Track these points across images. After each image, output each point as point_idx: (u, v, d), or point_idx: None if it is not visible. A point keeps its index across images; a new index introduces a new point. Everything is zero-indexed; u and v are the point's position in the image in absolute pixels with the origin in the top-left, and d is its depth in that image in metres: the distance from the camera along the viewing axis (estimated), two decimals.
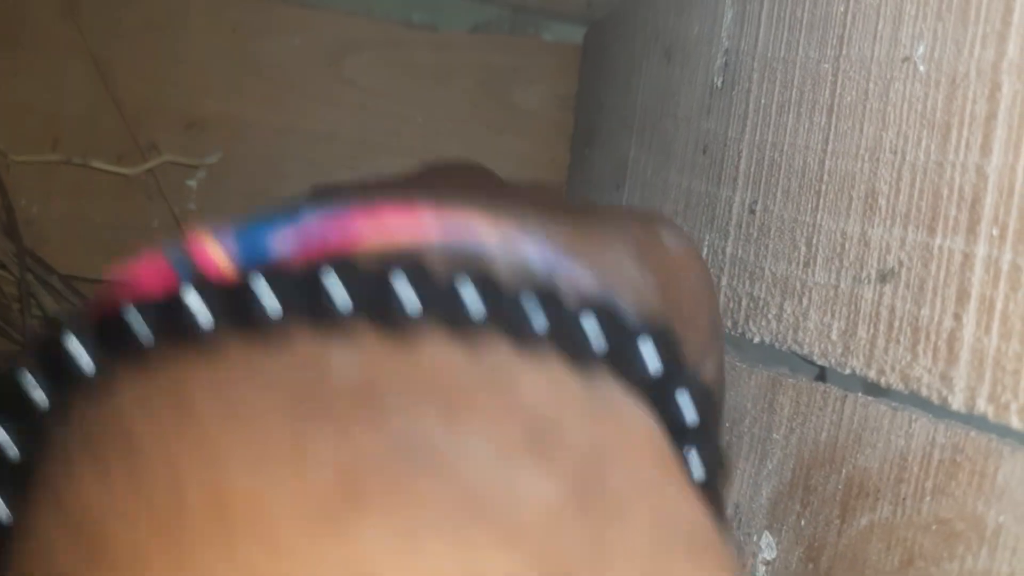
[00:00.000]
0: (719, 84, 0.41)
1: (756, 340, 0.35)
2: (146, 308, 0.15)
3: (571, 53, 0.69)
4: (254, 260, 0.16)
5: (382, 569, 0.12)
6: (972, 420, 0.23)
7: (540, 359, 0.16)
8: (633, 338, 0.16)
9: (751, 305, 0.35)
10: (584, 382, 0.16)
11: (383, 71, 0.67)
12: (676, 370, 0.17)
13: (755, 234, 0.35)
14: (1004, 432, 0.21)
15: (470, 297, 0.16)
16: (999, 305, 0.21)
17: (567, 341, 0.16)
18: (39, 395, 0.15)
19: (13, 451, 0.15)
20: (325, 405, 0.14)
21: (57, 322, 0.16)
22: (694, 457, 0.17)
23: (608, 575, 0.13)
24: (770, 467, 0.32)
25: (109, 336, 0.15)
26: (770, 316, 0.33)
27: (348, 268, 0.16)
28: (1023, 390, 0.20)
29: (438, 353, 0.15)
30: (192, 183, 0.64)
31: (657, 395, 0.17)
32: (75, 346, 0.15)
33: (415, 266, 0.16)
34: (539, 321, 0.16)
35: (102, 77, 0.61)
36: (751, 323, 0.35)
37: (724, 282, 0.38)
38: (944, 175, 0.24)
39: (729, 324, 0.37)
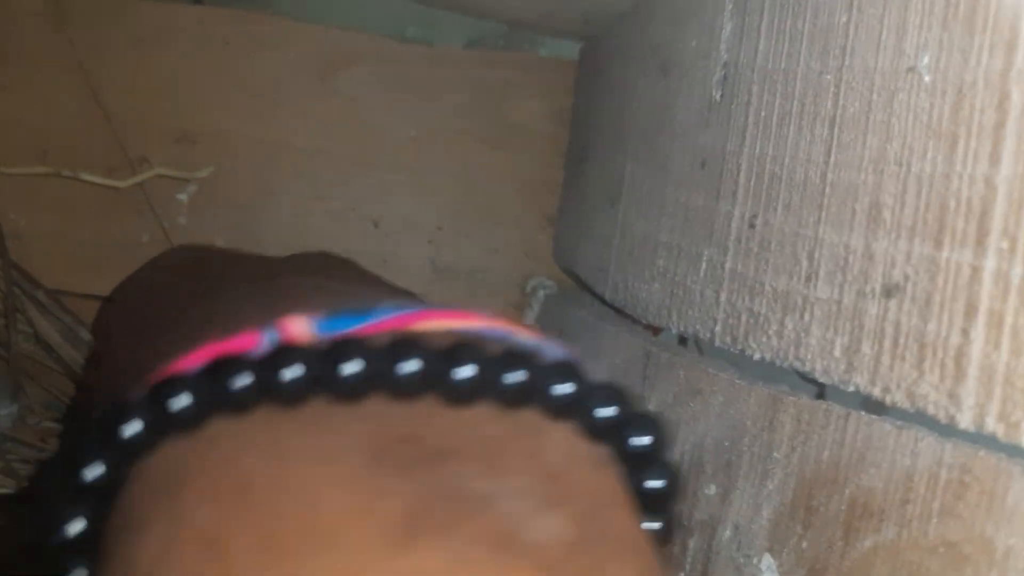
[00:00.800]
0: (718, 97, 0.40)
1: (756, 357, 0.34)
2: (244, 364, 0.19)
3: (566, 69, 0.69)
4: (337, 335, 0.20)
5: None
6: (981, 439, 0.22)
7: (560, 423, 0.21)
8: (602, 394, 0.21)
9: (751, 321, 0.34)
10: (589, 442, 0.21)
11: (376, 86, 0.67)
12: (631, 416, 0.22)
13: (755, 249, 0.35)
14: (1014, 452, 0.21)
15: (515, 373, 0.20)
16: (1009, 320, 0.21)
17: (579, 408, 0.21)
18: (135, 429, 0.18)
19: (103, 477, 0.18)
20: (393, 453, 0.17)
21: (162, 379, 0.19)
22: (653, 484, 0.22)
23: None
24: (771, 487, 0.31)
25: (209, 386, 0.18)
26: (771, 332, 0.33)
27: (416, 344, 0.20)
28: None
29: (485, 417, 0.19)
30: (183, 197, 0.63)
31: (618, 435, 0.21)
32: (178, 392, 0.18)
33: (470, 346, 0.20)
34: (563, 391, 0.21)
35: (92, 90, 0.61)
36: (751, 339, 0.34)
37: (723, 298, 0.37)
38: (951, 186, 0.23)
39: (728, 340, 0.36)
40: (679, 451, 0.39)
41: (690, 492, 0.38)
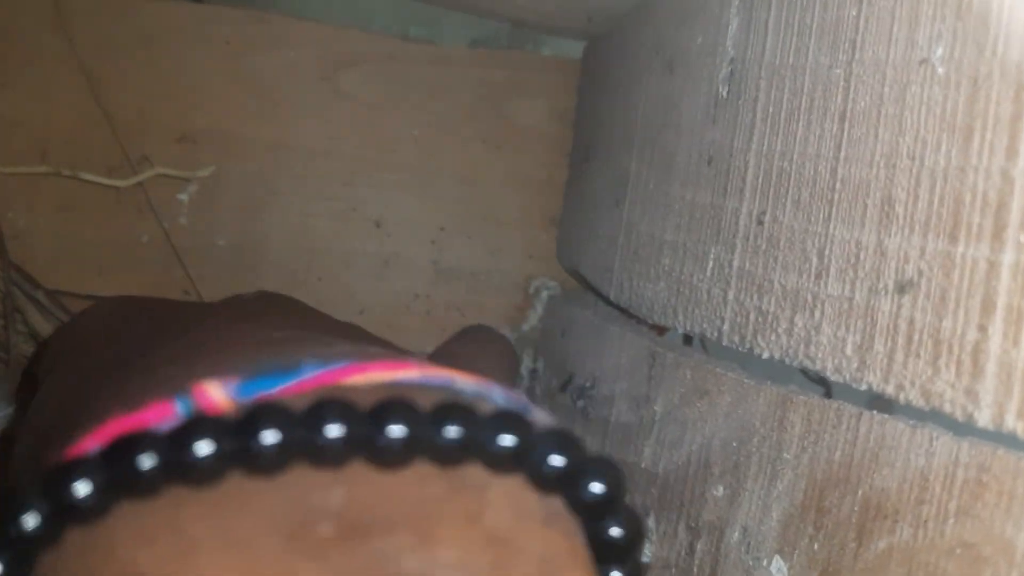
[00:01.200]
0: (724, 94, 0.40)
1: (765, 355, 0.33)
2: (150, 442, 0.17)
3: (570, 68, 0.68)
4: (254, 401, 0.19)
5: None
6: (999, 437, 0.21)
7: (507, 477, 0.19)
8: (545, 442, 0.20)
9: (759, 319, 0.34)
10: (540, 495, 0.19)
11: (379, 85, 0.66)
12: (583, 463, 0.20)
13: (763, 246, 0.34)
14: None
15: (450, 428, 0.18)
16: None
17: (525, 459, 0.19)
18: (33, 522, 0.17)
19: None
20: (312, 532, 0.16)
21: (60, 463, 0.17)
22: (613, 533, 0.20)
23: None
24: (780, 488, 0.31)
25: (111, 469, 0.17)
26: (780, 330, 0.32)
27: (341, 406, 0.18)
28: None
29: (420, 479, 0.18)
30: (183, 197, 0.63)
31: (570, 484, 0.20)
32: (77, 479, 0.17)
33: (401, 402, 0.18)
34: (508, 442, 0.19)
35: (92, 90, 0.60)
36: (759, 338, 0.34)
37: (731, 296, 0.37)
38: (967, 180, 0.23)
39: (736, 339, 0.36)
40: (686, 452, 0.39)
41: (697, 494, 0.37)
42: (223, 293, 0.58)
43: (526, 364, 0.69)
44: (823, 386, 0.35)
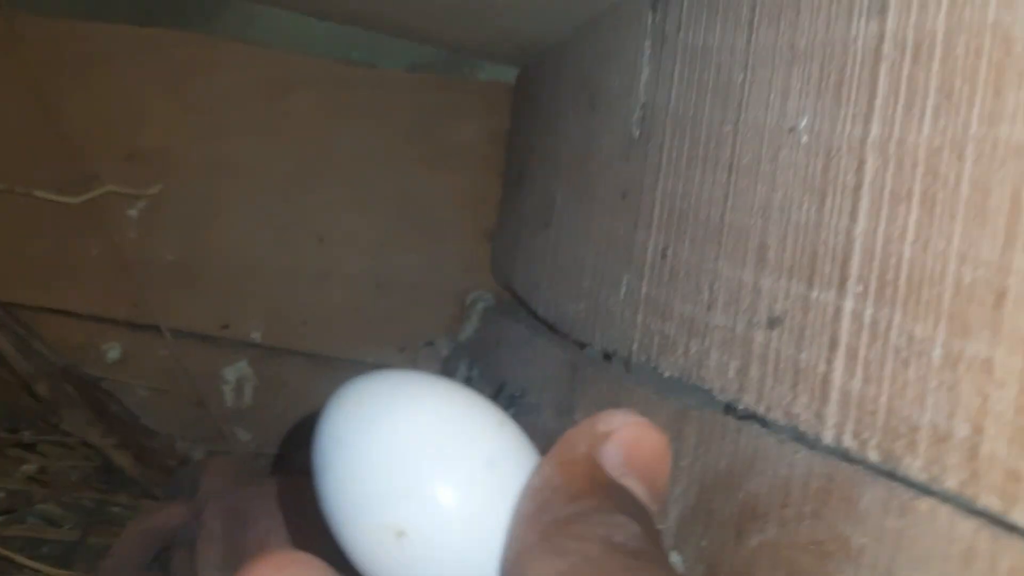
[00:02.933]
0: (636, 135, 0.44)
1: (667, 375, 0.38)
2: None
3: (503, 91, 0.72)
4: None
5: None
6: (842, 452, 0.26)
7: None
8: None
9: (662, 342, 0.38)
10: None
11: (321, 107, 0.69)
12: None
13: (666, 276, 0.38)
14: (866, 465, 0.24)
15: None
16: (862, 353, 0.25)
17: None
18: None
19: None
20: None
21: None
22: None
23: None
24: (677, 492, 0.35)
25: None
26: (678, 353, 0.36)
27: None
28: (879, 429, 0.23)
29: None
30: (133, 213, 0.65)
31: None
32: None
33: None
34: None
35: (45, 110, 0.63)
36: (662, 358, 0.38)
37: (640, 320, 0.41)
38: (820, 235, 0.27)
39: (644, 359, 0.40)
40: None
41: None
42: (170, 307, 0.61)
43: (462, 372, 0.72)
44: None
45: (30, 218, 0.63)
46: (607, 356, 0.53)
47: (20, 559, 0.51)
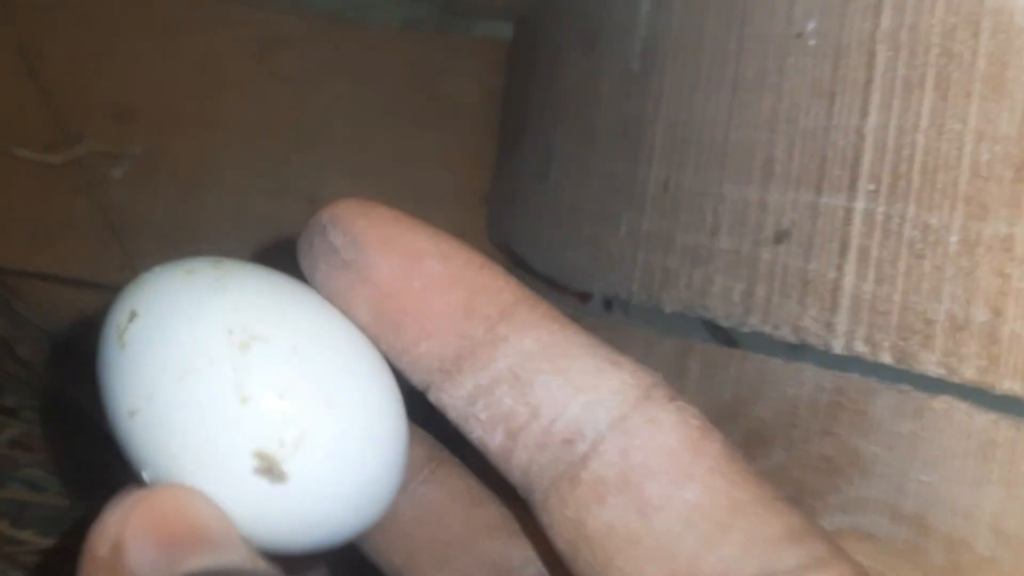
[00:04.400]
0: (636, 69, 0.42)
1: (668, 310, 0.36)
2: None
3: (499, 49, 0.71)
4: None
5: None
6: (853, 365, 0.24)
7: None
8: None
9: (664, 277, 0.37)
10: None
11: (312, 65, 0.68)
12: None
13: (667, 208, 0.37)
14: (879, 370, 0.23)
15: None
16: (874, 253, 0.23)
17: None
18: None
19: None
20: None
21: None
22: None
23: None
24: None
25: None
26: (680, 285, 0.35)
27: None
28: (893, 329, 0.22)
29: None
30: (117, 173, 0.64)
31: None
32: None
33: None
34: None
35: (29, 67, 0.61)
36: (664, 294, 0.37)
37: (640, 258, 0.39)
38: (829, 138, 0.26)
39: (644, 297, 0.39)
40: None
41: None
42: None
43: None
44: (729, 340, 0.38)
45: (12, 179, 0.62)
46: (607, 305, 0.52)
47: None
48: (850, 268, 0.24)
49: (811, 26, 0.28)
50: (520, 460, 0.17)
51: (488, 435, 0.18)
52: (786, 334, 0.27)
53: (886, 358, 0.22)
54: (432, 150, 0.70)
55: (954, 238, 0.20)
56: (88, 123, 0.63)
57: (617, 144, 0.44)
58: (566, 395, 0.17)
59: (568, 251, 0.51)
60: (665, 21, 0.40)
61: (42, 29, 0.62)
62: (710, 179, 0.33)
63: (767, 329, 0.28)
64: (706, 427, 0.17)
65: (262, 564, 0.17)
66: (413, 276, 0.18)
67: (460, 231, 0.64)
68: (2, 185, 0.62)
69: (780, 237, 0.28)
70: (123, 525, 0.17)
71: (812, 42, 0.27)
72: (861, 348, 0.23)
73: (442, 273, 0.18)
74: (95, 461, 0.60)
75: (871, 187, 0.24)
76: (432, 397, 0.19)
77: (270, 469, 0.17)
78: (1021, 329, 0.18)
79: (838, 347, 0.24)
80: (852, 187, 0.24)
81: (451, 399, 0.18)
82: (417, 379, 0.19)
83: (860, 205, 0.24)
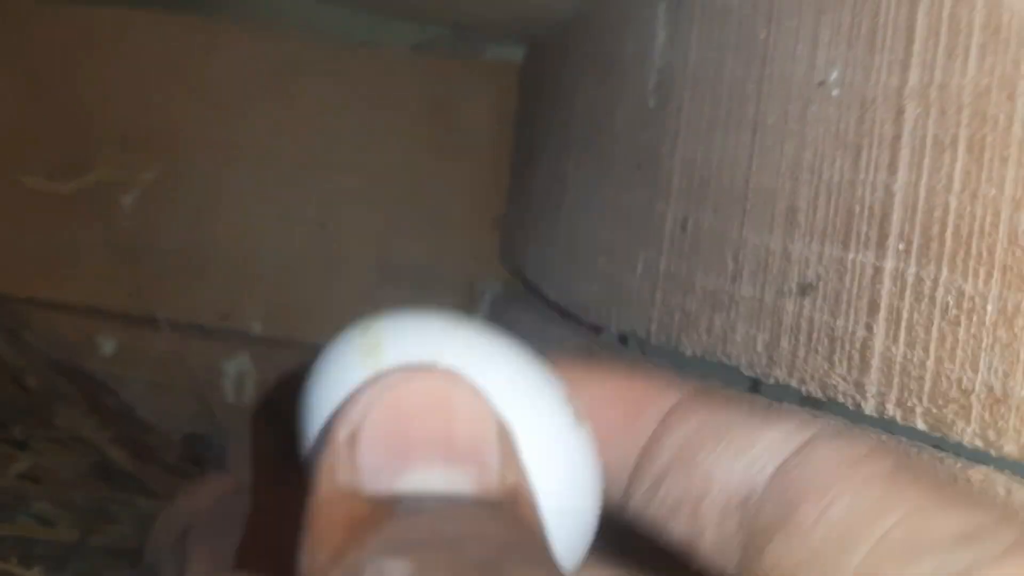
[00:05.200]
0: (652, 103, 0.42)
1: (688, 353, 0.36)
2: None
3: (511, 72, 0.70)
4: None
5: None
6: (882, 424, 0.24)
7: None
8: None
9: (683, 319, 0.36)
10: None
11: (324, 90, 0.68)
12: None
13: (687, 249, 0.36)
14: (911, 434, 0.23)
15: None
16: (905, 315, 0.23)
17: None
18: None
19: None
20: None
21: None
22: None
23: None
24: None
25: None
26: (701, 329, 0.35)
27: None
28: (927, 394, 0.22)
29: None
30: (127, 200, 0.64)
31: None
32: None
33: None
34: None
35: (37, 94, 0.61)
36: (683, 336, 0.36)
37: (658, 297, 0.39)
38: (856, 193, 0.25)
39: (663, 338, 0.38)
40: None
41: None
42: (168, 296, 0.59)
43: None
44: (751, 382, 0.38)
45: (20, 207, 0.62)
46: (623, 339, 0.51)
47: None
48: (880, 328, 0.24)
49: (834, 75, 0.27)
50: (712, 536, 0.17)
51: (675, 523, 0.18)
52: (813, 389, 0.26)
53: (920, 424, 0.22)
54: (445, 174, 0.70)
55: (991, 307, 0.20)
56: (97, 150, 0.63)
57: (632, 177, 0.44)
58: (729, 459, 0.17)
59: (582, 283, 0.50)
60: (681, 54, 0.39)
61: (50, 56, 0.62)
62: (730, 222, 0.33)
63: (793, 383, 0.27)
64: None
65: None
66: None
67: (473, 255, 0.64)
68: (12, 214, 0.62)
69: (805, 289, 0.27)
70: (364, 414, 0.15)
71: (836, 92, 0.27)
72: (893, 411, 0.23)
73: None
74: (105, 493, 0.60)
75: (900, 246, 0.23)
76: (627, 509, 0.19)
77: None
78: None
79: (868, 408, 0.24)
80: (881, 245, 0.24)
81: (636, 503, 0.18)
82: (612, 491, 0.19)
83: (889, 264, 0.23)
